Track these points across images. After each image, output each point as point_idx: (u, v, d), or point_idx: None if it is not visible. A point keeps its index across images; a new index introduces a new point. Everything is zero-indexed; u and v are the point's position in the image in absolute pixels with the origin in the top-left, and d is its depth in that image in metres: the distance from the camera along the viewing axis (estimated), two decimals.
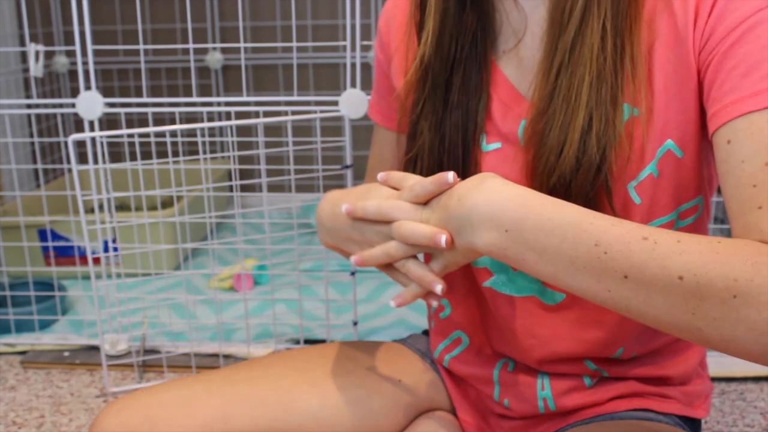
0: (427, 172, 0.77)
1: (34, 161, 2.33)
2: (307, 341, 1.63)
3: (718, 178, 0.64)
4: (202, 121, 1.43)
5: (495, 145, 0.76)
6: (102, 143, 1.44)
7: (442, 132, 0.77)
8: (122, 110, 1.45)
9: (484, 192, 0.61)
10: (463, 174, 0.76)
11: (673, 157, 0.69)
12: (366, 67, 2.44)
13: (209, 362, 1.58)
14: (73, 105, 1.44)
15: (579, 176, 0.67)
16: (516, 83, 0.76)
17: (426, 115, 0.78)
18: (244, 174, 2.52)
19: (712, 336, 0.54)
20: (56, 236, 1.98)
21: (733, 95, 0.62)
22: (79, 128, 2.64)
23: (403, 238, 0.67)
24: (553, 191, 0.68)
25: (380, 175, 0.73)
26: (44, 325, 1.74)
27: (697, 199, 0.72)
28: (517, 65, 0.76)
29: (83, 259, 2.00)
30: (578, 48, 0.68)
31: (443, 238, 0.64)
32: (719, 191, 0.88)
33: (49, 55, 2.58)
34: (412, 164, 0.80)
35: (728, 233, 1.11)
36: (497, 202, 0.60)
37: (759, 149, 0.59)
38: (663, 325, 0.57)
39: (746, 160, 0.60)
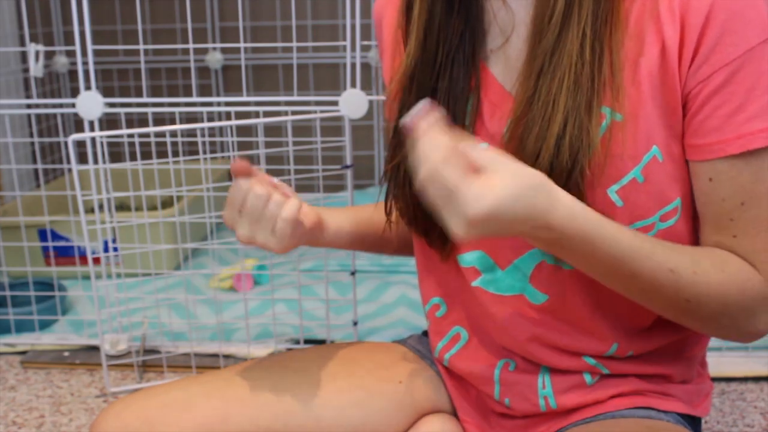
0: (411, 182, 0.75)
1: (34, 161, 2.33)
2: (307, 341, 1.63)
3: (695, 199, 0.72)
4: (202, 121, 1.43)
5: (482, 146, 0.76)
6: (102, 143, 1.44)
7: None
8: (122, 110, 1.45)
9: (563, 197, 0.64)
10: None
11: (656, 162, 0.70)
12: (366, 67, 2.43)
13: (209, 362, 1.58)
14: (73, 105, 1.44)
15: (552, 180, 0.67)
16: (503, 82, 0.76)
17: None
18: None
19: (702, 330, 0.75)
20: (56, 236, 1.98)
21: (717, 135, 0.67)
22: (79, 128, 2.63)
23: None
24: None
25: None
26: (44, 325, 1.74)
27: (676, 202, 0.72)
28: (504, 64, 0.76)
29: (83, 259, 2.00)
30: (558, 54, 0.68)
31: None
32: None
33: (49, 55, 2.58)
34: (396, 171, 0.79)
35: None
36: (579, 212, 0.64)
37: (738, 190, 0.69)
38: (659, 312, 0.74)
39: (726, 199, 0.69)
